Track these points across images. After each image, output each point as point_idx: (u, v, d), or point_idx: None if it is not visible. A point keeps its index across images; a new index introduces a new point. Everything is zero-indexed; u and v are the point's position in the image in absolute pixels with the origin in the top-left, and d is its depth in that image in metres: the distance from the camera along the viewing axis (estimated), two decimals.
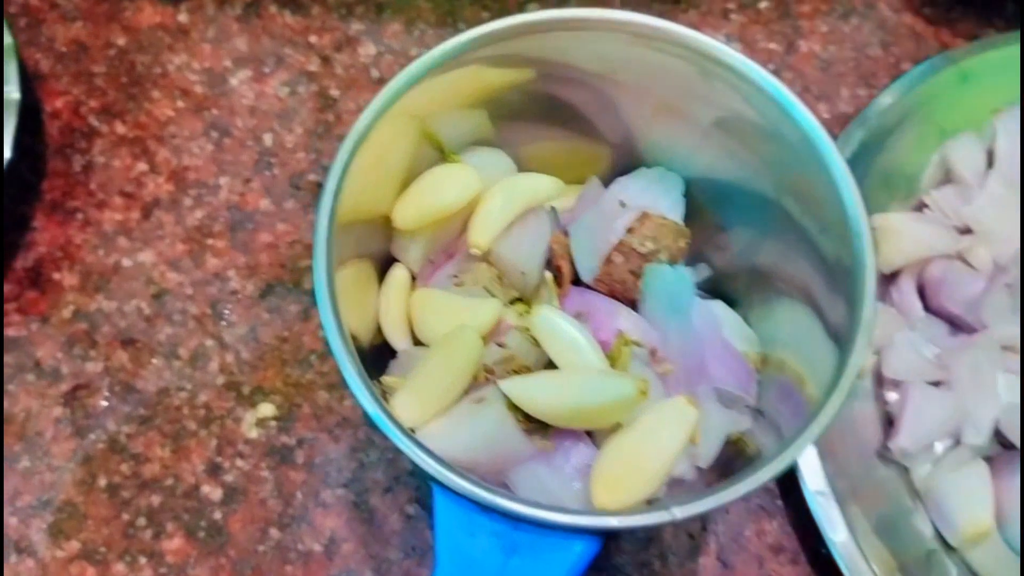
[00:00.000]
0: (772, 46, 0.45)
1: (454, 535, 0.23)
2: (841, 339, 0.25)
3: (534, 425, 0.27)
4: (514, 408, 0.27)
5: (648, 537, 0.37)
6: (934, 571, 0.36)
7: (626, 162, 0.34)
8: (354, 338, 0.30)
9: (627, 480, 0.26)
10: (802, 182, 0.27)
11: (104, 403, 0.38)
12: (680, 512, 0.22)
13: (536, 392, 0.26)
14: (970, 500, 0.36)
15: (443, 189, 0.29)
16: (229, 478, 0.37)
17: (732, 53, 0.27)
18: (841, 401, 0.23)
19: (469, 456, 0.27)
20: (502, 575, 0.22)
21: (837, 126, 0.44)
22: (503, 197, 0.30)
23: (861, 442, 0.38)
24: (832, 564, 0.34)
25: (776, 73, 0.44)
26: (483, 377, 0.28)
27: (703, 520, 0.37)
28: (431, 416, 0.28)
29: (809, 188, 0.27)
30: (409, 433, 0.23)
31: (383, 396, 0.29)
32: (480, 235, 0.30)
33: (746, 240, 0.32)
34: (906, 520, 0.37)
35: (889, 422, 0.38)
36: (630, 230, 0.31)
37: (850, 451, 0.37)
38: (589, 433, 0.28)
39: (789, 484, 0.37)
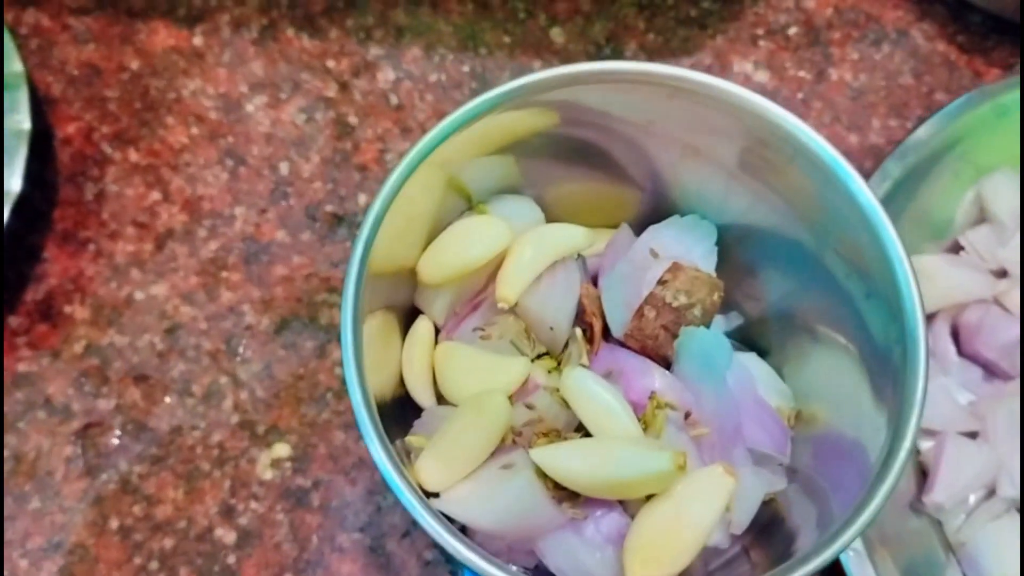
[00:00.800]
0: (802, 74, 0.44)
1: None
2: (884, 397, 0.24)
3: (564, 493, 0.26)
4: (544, 476, 0.26)
5: None
6: None
7: (657, 208, 0.33)
8: (377, 393, 0.29)
9: (662, 553, 0.25)
10: (849, 246, 0.26)
11: (116, 441, 0.37)
12: None
13: (567, 461, 0.25)
14: (1004, 554, 0.35)
15: (471, 243, 0.28)
16: (243, 521, 0.36)
17: (788, 117, 0.26)
18: (891, 488, 0.22)
19: (496, 523, 0.26)
20: None
21: (869, 158, 0.42)
22: (532, 249, 0.29)
23: (895, 493, 0.37)
24: None
25: (805, 102, 0.43)
26: (511, 439, 0.27)
27: None
28: (456, 480, 0.27)
29: (857, 255, 0.26)
30: (432, 508, 0.22)
31: (407, 455, 0.28)
32: (508, 288, 0.29)
33: (782, 291, 0.31)
34: (938, 574, 0.36)
35: (923, 473, 0.37)
36: (662, 282, 0.30)
37: None
38: (621, 501, 0.27)
39: None
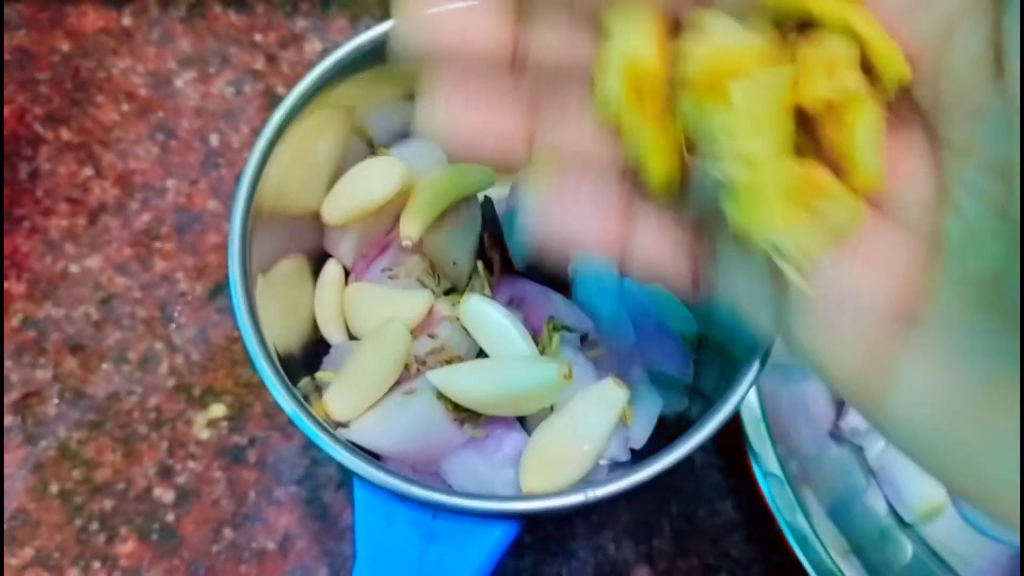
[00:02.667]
0: None
1: (373, 525, 0.23)
2: None
3: (465, 414, 0.27)
4: (443, 398, 0.27)
5: (601, 521, 0.37)
6: (889, 549, 0.36)
7: None
8: (290, 335, 0.30)
9: (556, 464, 0.26)
10: None
11: (54, 410, 0.38)
12: (593, 493, 0.22)
13: (463, 381, 0.26)
14: (924, 475, 0.36)
15: (370, 183, 0.29)
16: (181, 480, 0.37)
17: None
18: (752, 380, 0.23)
19: (401, 447, 0.27)
20: (420, 562, 0.22)
21: None
22: (434, 188, 0.30)
23: (814, 423, 0.38)
24: (786, 544, 0.34)
25: None
26: (415, 369, 0.28)
27: (657, 502, 0.37)
28: (363, 410, 0.28)
29: None
30: (327, 427, 0.23)
31: (318, 391, 0.29)
32: (411, 226, 0.29)
33: None
34: (860, 499, 0.37)
35: (842, 401, 0.38)
36: None
37: (803, 432, 0.37)
38: (522, 421, 0.28)
39: (741, 464, 0.37)
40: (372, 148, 0.31)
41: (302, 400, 0.24)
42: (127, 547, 0.36)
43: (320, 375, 0.29)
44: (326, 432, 0.23)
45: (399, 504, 0.22)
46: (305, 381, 0.29)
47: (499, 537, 0.22)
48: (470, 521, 0.22)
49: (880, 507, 0.37)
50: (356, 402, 0.27)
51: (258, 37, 0.44)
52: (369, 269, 0.31)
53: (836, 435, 0.37)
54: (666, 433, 0.30)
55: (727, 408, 0.23)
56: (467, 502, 0.22)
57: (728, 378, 0.30)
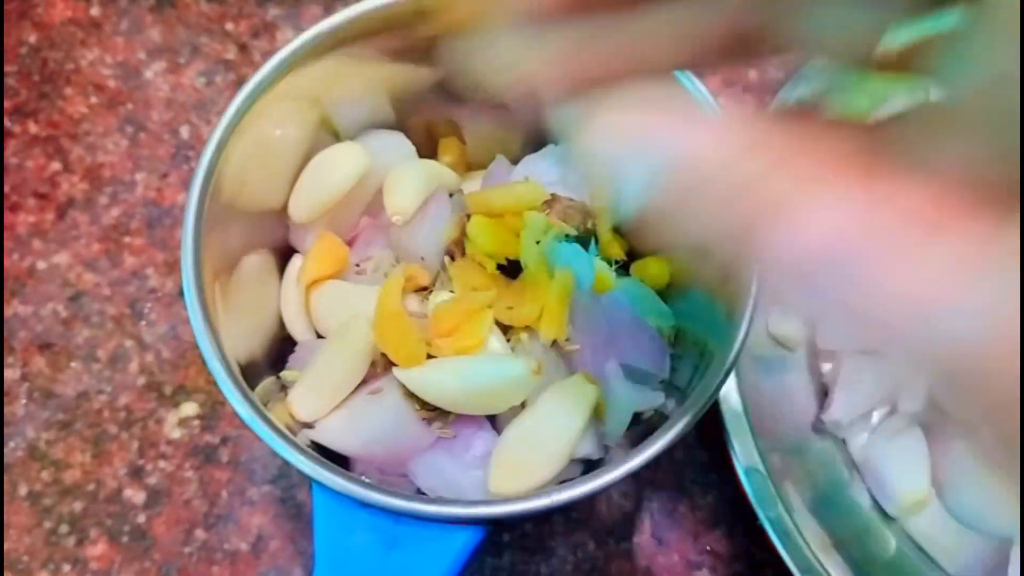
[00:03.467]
0: None
1: (333, 532, 0.22)
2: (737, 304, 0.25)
3: (433, 413, 0.26)
4: (411, 396, 0.26)
5: (580, 519, 0.36)
6: (872, 542, 0.35)
7: (537, 139, 0.33)
8: (255, 333, 0.29)
9: (526, 463, 0.25)
10: None
11: (23, 410, 0.37)
12: (558, 496, 0.21)
13: (430, 378, 0.25)
14: (907, 468, 0.35)
15: (333, 170, 0.28)
16: (152, 480, 0.36)
17: None
18: (732, 362, 0.23)
19: (367, 448, 0.26)
20: (383, 569, 0.21)
21: (769, 92, 0.43)
22: (409, 176, 0.29)
23: (797, 416, 0.37)
24: (768, 538, 0.34)
25: None
26: (381, 368, 0.27)
27: (638, 498, 0.37)
28: (329, 409, 0.27)
29: None
30: (283, 431, 0.23)
31: (284, 390, 0.28)
32: (400, 201, 0.28)
33: None
34: (843, 492, 0.36)
35: (825, 394, 0.37)
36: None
37: (785, 425, 0.36)
38: (492, 421, 0.27)
39: (722, 459, 0.37)
40: (339, 140, 0.30)
41: (259, 404, 0.23)
42: (97, 549, 0.36)
43: (285, 374, 0.28)
44: (283, 437, 0.22)
45: (360, 510, 0.22)
46: (270, 380, 0.28)
47: (464, 542, 0.22)
48: (433, 527, 0.22)
49: (863, 500, 0.36)
50: (321, 402, 0.27)
51: (229, 26, 0.43)
52: None
53: (818, 428, 0.37)
54: (642, 430, 0.29)
55: (698, 405, 0.23)
56: (429, 507, 0.21)
57: (703, 373, 0.29)
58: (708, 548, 0.36)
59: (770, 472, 0.34)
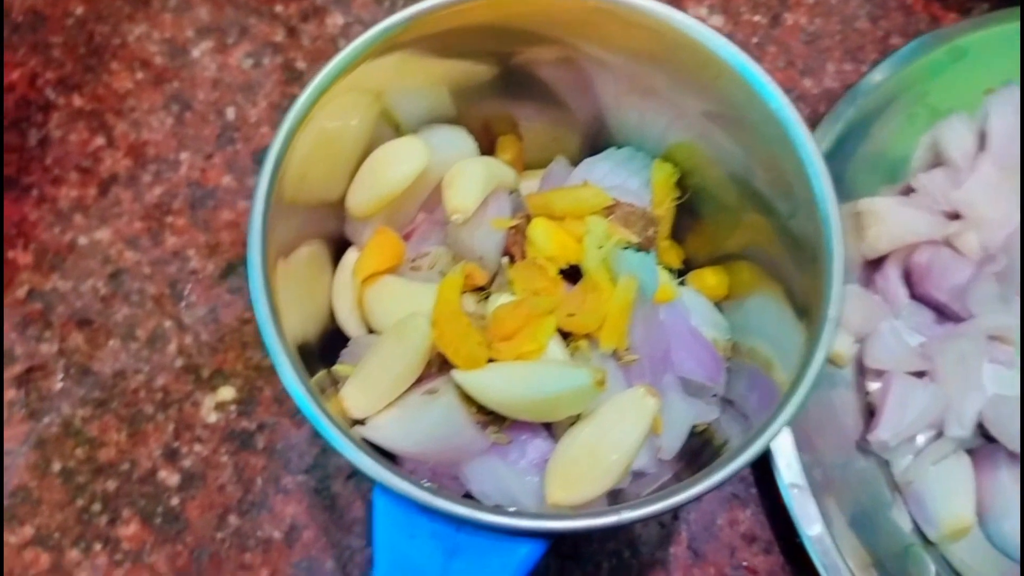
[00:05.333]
0: (756, 18, 0.43)
1: (393, 537, 0.21)
2: (809, 319, 0.24)
3: (488, 417, 0.26)
4: (467, 399, 0.25)
5: (617, 527, 0.36)
6: (912, 566, 0.35)
7: (596, 142, 0.32)
8: (307, 325, 0.28)
9: (583, 474, 0.25)
10: (773, 164, 0.26)
11: (59, 385, 0.37)
12: (628, 515, 0.21)
13: (489, 383, 0.25)
14: (951, 494, 0.35)
15: (392, 164, 0.28)
16: (187, 463, 0.36)
17: (700, 28, 0.25)
18: (806, 394, 0.22)
19: (420, 449, 0.26)
20: None
21: (823, 102, 0.42)
22: (470, 173, 0.28)
23: (841, 433, 0.36)
24: (805, 555, 0.33)
25: (760, 46, 0.43)
26: (437, 366, 0.27)
27: (675, 509, 0.36)
28: (381, 407, 0.26)
29: (779, 170, 0.25)
30: (346, 430, 0.22)
31: (335, 385, 0.28)
32: (461, 200, 0.27)
33: (719, 223, 0.31)
34: (884, 514, 0.36)
35: (870, 413, 0.37)
36: None
37: (829, 442, 0.36)
38: (547, 427, 0.27)
39: (763, 473, 0.36)
40: (399, 134, 0.30)
41: (320, 400, 0.22)
42: (129, 530, 0.35)
43: (337, 368, 0.28)
44: (345, 434, 0.22)
45: (421, 515, 0.21)
46: (321, 374, 0.27)
47: (525, 555, 0.21)
48: (496, 537, 0.21)
49: (904, 523, 0.35)
50: (375, 399, 0.26)
51: (279, 8, 0.43)
52: None
53: (863, 447, 0.36)
54: (694, 444, 0.29)
55: (776, 426, 0.22)
56: (496, 518, 0.21)
57: (759, 389, 0.28)
58: (744, 563, 0.36)
59: (812, 487, 0.34)
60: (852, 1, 0.43)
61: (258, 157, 0.40)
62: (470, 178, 0.28)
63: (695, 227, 0.32)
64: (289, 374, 0.22)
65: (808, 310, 0.25)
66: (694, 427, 0.29)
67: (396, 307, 0.28)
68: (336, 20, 0.42)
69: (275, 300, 0.23)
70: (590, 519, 0.21)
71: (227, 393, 0.37)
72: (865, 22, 0.43)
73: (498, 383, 0.25)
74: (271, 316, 0.23)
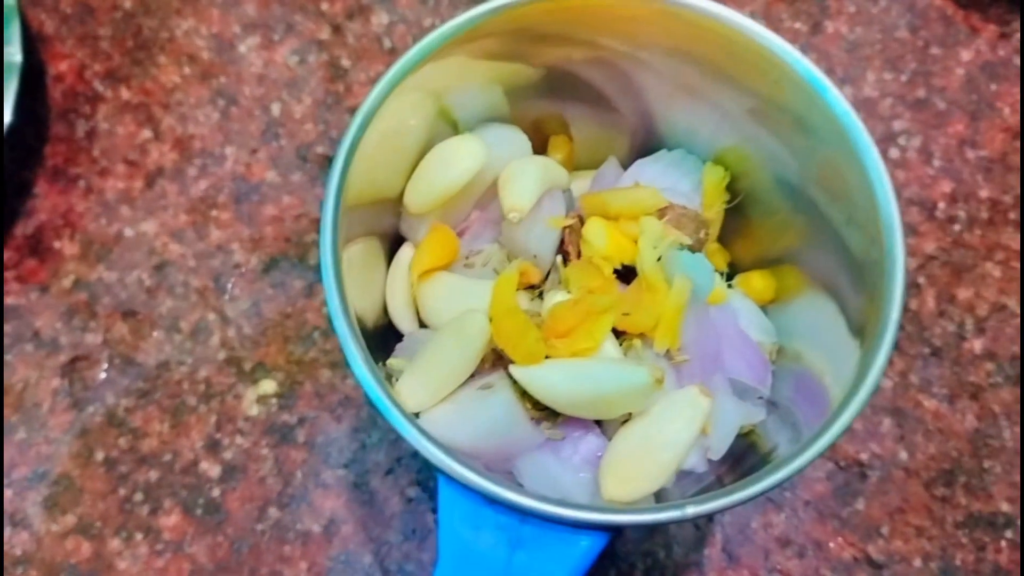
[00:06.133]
0: (797, 25, 0.44)
1: (458, 528, 0.22)
2: (864, 334, 0.24)
3: (543, 413, 0.26)
4: (523, 395, 0.26)
5: (653, 527, 0.36)
6: None
7: (645, 144, 0.33)
8: (359, 319, 0.29)
9: (637, 471, 0.25)
10: (829, 169, 0.26)
11: (103, 375, 0.37)
12: (694, 510, 0.21)
13: (547, 378, 0.25)
14: None
15: (447, 164, 0.28)
16: (228, 455, 0.37)
17: (763, 31, 0.26)
18: (864, 401, 0.22)
19: (474, 444, 0.26)
20: (507, 570, 0.21)
21: (863, 110, 0.42)
22: (526, 172, 0.29)
23: None
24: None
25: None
26: (491, 362, 0.27)
27: (733, 506, 0.36)
28: (436, 401, 0.27)
29: (837, 176, 0.26)
30: (415, 421, 0.22)
31: (388, 379, 0.28)
32: (517, 199, 0.28)
33: (768, 226, 0.31)
34: None
35: None
36: None
37: None
38: (599, 423, 0.27)
39: (799, 477, 0.36)
40: (456, 131, 0.30)
41: (388, 390, 0.23)
42: (171, 520, 0.36)
43: (392, 362, 0.28)
44: (415, 426, 0.22)
45: (486, 507, 0.22)
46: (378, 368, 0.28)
47: (587, 548, 0.22)
48: (559, 529, 0.22)
49: None
50: (430, 393, 0.27)
51: (324, 6, 0.43)
52: None
53: None
54: (739, 445, 0.29)
55: (837, 427, 0.22)
56: (562, 510, 0.21)
57: (805, 392, 0.29)
58: (778, 567, 0.36)
59: None
60: (893, 11, 0.44)
61: (302, 153, 0.41)
62: (527, 177, 0.28)
63: (743, 230, 0.32)
64: (361, 365, 0.23)
65: (860, 319, 0.26)
66: (740, 429, 0.29)
67: (451, 303, 0.28)
68: (381, 19, 0.43)
69: (346, 295, 0.24)
70: (655, 513, 0.21)
71: (268, 387, 0.37)
72: (905, 32, 0.44)
73: (557, 379, 0.25)
74: (343, 310, 0.23)
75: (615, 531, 0.22)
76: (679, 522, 0.21)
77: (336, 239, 0.24)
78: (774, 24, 0.44)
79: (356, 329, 0.23)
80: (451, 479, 0.22)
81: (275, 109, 0.41)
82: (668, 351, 0.27)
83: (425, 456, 0.22)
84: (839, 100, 0.25)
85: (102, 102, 0.41)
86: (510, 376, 0.26)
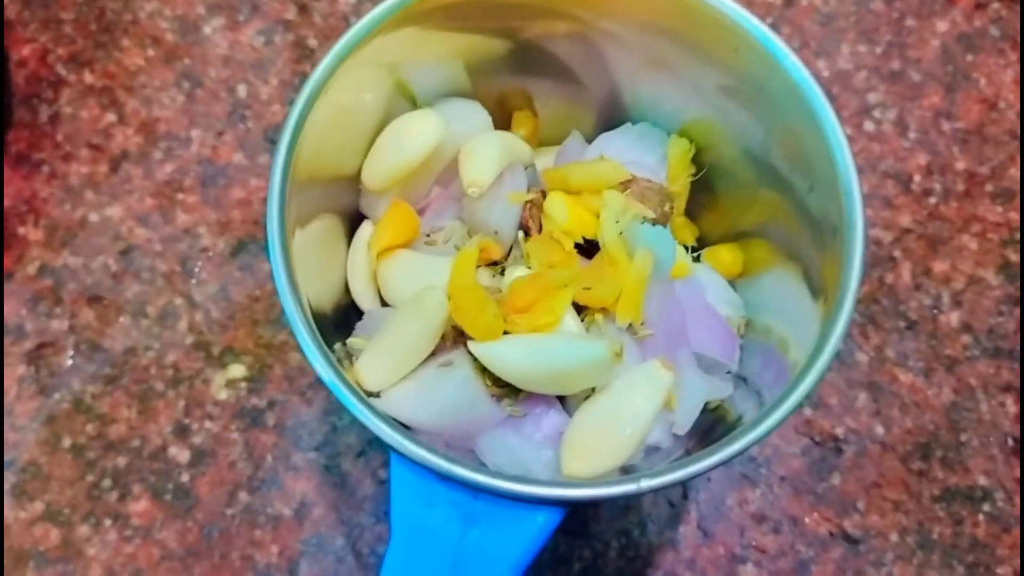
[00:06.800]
0: None
1: (411, 505, 0.21)
2: (828, 303, 0.24)
3: (503, 390, 0.26)
4: (483, 371, 0.25)
5: (627, 505, 0.36)
6: None
7: (611, 118, 0.32)
8: (321, 299, 0.28)
9: (598, 447, 0.25)
10: (791, 137, 0.26)
11: (69, 362, 0.37)
12: (647, 483, 0.21)
13: (506, 354, 0.25)
14: None
15: (407, 138, 0.28)
16: (197, 440, 0.36)
17: (727, 3, 0.25)
18: (825, 367, 0.22)
19: (435, 422, 0.26)
20: (460, 546, 0.21)
21: (837, 83, 0.42)
22: (486, 147, 0.28)
23: None
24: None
25: (774, 27, 0.42)
26: (452, 339, 0.27)
27: (684, 488, 0.36)
28: (396, 380, 0.26)
29: (798, 143, 0.25)
30: (364, 398, 0.22)
31: (349, 358, 0.28)
32: (477, 174, 0.27)
33: (734, 199, 0.31)
34: None
35: None
36: None
37: None
38: (562, 400, 0.27)
39: (774, 454, 0.36)
40: (415, 106, 0.30)
41: (340, 370, 0.22)
42: (140, 506, 0.35)
43: (352, 341, 0.28)
44: (364, 403, 0.22)
45: (439, 484, 0.21)
46: (336, 348, 0.27)
47: (542, 523, 0.21)
48: (513, 505, 0.21)
49: None
50: (390, 371, 0.26)
51: None
52: None
53: None
54: (707, 420, 0.29)
55: (794, 398, 0.22)
56: (514, 486, 0.20)
57: (774, 367, 0.28)
58: (754, 543, 0.36)
59: None
60: None
61: (269, 135, 0.40)
62: (486, 152, 0.28)
63: (710, 204, 0.32)
64: (309, 343, 0.22)
65: (824, 288, 0.25)
66: (707, 404, 0.29)
67: (411, 280, 0.28)
68: None
69: (293, 272, 0.23)
70: (608, 487, 0.21)
71: (237, 370, 0.37)
72: (880, 3, 0.43)
73: (515, 354, 0.25)
74: (290, 288, 0.23)
75: (569, 506, 0.22)
76: (633, 496, 0.21)
77: (283, 218, 0.23)
78: None
79: (303, 305, 0.23)
80: (402, 456, 0.21)
81: (241, 91, 0.41)
82: (631, 325, 0.27)
83: (375, 432, 0.21)
84: (797, 66, 0.24)
85: (65, 86, 0.41)
86: (470, 353, 0.25)
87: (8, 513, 0.35)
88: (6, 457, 0.36)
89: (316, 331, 0.23)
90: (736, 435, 0.22)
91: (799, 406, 0.22)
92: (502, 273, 0.29)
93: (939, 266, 0.39)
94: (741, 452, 0.21)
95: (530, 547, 0.21)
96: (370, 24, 0.26)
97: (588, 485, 0.21)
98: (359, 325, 0.28)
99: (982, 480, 0.37)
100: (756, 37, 0.25)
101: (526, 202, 0.29)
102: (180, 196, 0.39)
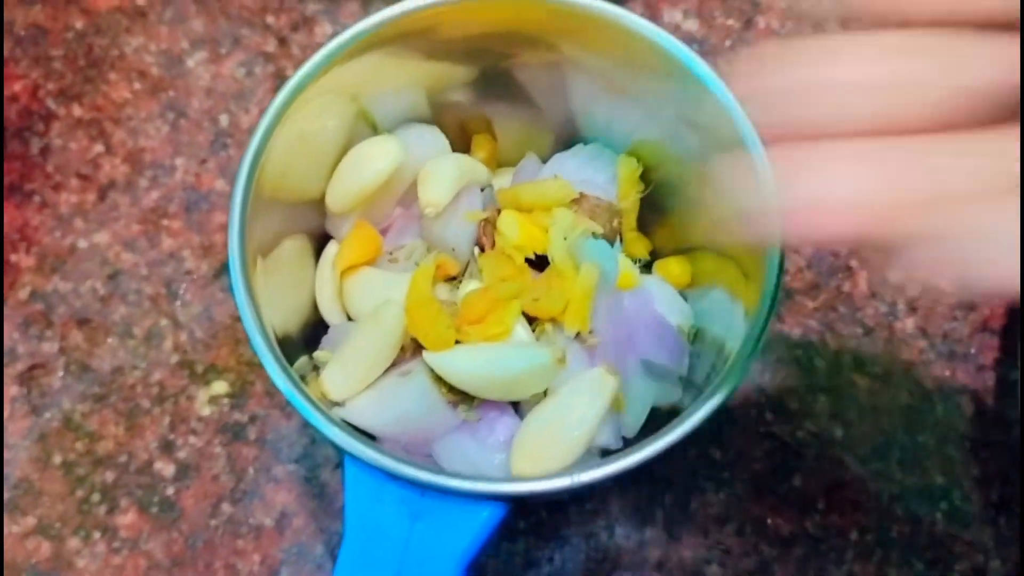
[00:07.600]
0: (730, 22, 0.45)
1: (363, 503, 0.23)
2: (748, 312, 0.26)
3: (458, 397, 0.27)
4: (438, 379, 0.27)
5: (595, 509, 0.37)
6: None
7: (567, 137, 0.34)
8: (291, 315, 0.30)
9: (546, 449, 0.26)
10: (720, 144, 0.27)
11: (59, 382, 0.39)
12: (579, 477, 0.22)
13: (456, 363, 0.26)
14: None
15: (368, 161, 0.29)
16: (182, 454, 0.38)
17: (639, 21, 0.27)
18: (746, 363, 0.24)
19: (394, 428, 0.28)
20: (408, 540, 0.23)
21: None
22: (443, 169, 0.30)
23: None
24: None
25: (732, 49, 0.44)
26: (412, 350, 0.28)
27: (650, 491, 0.38)
28: (359, 389, 0.28)
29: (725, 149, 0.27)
30: (319, 406, 0.24)
31: (316, 370, 0.30)
32: (433, 194, 0.29)
33: (681, 215, 0.32)
34: None
35: None
36: None
37: None
38: (515, 407, 0.28)
39: (736, 456, 0.38)
40: (376, 132, 0.31)
41: (297, 379, 0.24)
42: (127, 519, 0.37)
43: (318, 354, 0.29)
44: (319, 411, 0.23)
45: (389, 482, 0.23)
46: (303, 360, 0.29)
47: (486, 518, 0.23)
48: (458, 501, 0.23)
49: None
50: (352, 382, 0.28)
51: (270, 19, 0.45)
52: None
53: None
54: (660, 424, 0.30)
55: (716, 399, 0.24)
56: (455, 482, 0.22)
57: (721, 371, 0.30)
58: (719, 544, 0.37)
59: None
60: (824, 5, 0.45)
61: None
62: (442, 174, 0.30)
63: (661, 219, 0.33)
64: (268, 357, 0.24)
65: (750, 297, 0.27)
66: (660, 408, 0.30)
67: (373, 296, 0.30)
68: (325, 29, 0.44)
69: (255, 292, 0.25)
70: (544, 482, 0.22)
71: (220, 387, 0.39)
72: (835, 26, 0.45)
73: (464, 362, 0.26)
74: (250, 305, 0.25)
75: (511, 502, 0.23)
76: (569, 490, 0.22)
77: (243, 237, 0.25)
78: (707, 21, 0.45)
79: (264, 326, 0.25)
80: (355, 458, 0.23)
81: (223, 120, 0.43)
82: (579, 334, 0.28)
83: (326, 435, 0.23)
84: (723, 90, 0.26)
85: (55, 119, 0.43)
86: (425, 362, 0.27)
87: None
88: None
89: (275, 347, 0.24)
90: (666, 430, 0.23)
91: (726, 398, 0.23)
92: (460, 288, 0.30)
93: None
94: (670, 446, 0.23)
95: (474, 540, 0.23)
96: (327, 56, 0.27)
97: (525, 481, 0.23)
98: (324, 339, 0.30)
99: (939, 479, 0.38)
100: (683, 62, 0.26)
101: (481, 220, 0.30)
102: (165, 222, 0.41)
